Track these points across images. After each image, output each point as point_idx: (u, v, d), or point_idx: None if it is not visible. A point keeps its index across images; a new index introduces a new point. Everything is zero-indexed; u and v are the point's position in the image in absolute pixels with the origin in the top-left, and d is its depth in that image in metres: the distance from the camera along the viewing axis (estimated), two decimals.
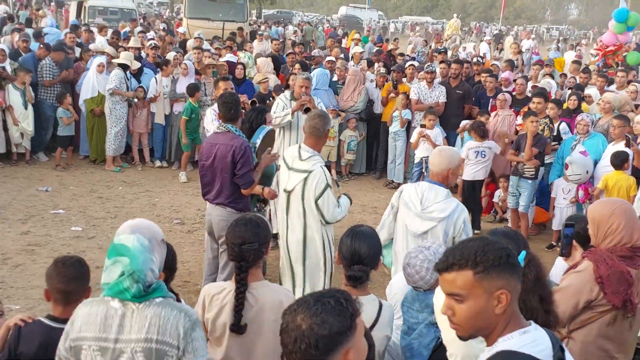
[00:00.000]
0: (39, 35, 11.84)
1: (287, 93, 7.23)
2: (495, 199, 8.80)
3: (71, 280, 2.92)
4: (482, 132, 8.06)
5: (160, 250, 2.53)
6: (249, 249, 3.04)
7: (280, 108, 6.94)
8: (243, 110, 6.04)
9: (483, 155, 8.00)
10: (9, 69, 9.53)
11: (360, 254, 3.04)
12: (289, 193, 4.73)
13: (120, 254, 2.41)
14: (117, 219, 7.76)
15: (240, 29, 18.32)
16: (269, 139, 5.68)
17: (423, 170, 8.76)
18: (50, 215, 7.70)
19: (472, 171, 8.03)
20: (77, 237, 7.09)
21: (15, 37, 11.48)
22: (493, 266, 1.89)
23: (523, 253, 2.14)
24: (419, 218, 4.17)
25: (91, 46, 11.50)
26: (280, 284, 4.89)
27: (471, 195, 8.14)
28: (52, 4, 26.95)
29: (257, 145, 5.38)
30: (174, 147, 10.18)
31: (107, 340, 2.40)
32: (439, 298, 3.31)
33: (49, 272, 2.97)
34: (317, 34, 28.59)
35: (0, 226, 7.22)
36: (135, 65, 9.93)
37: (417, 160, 9.06)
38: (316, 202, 4.63)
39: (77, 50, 11.32)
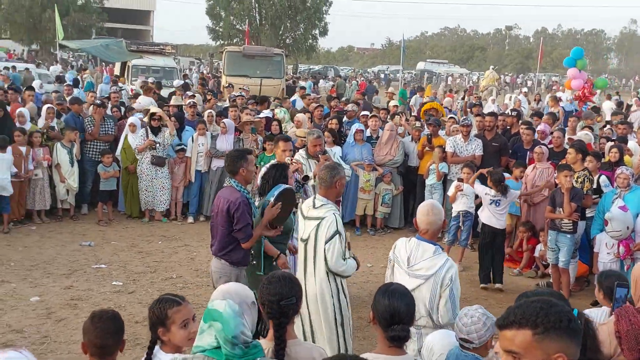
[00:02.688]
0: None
1: (302, 152, 7.22)
2: (536, 254, 8.63)
3: (107, 335, 3.03)
4: (502, 189, 7.85)
5: (251, 313, 2.74)
6: (288, 304, 3.06)
7: None
8: (263, 168, 5.93)
9: (497, 204, 7.88)
10: (56, 127, 9.98)
11: (400, 313, 3.01)
12: (305, 242, 4.82)
13: (214, 319, 2.63)
14: (156, 273, 7.89)
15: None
16: (290, 197, 5.34)
17: (460, 224, 8.66)
18: (92, 270, 7.88)
19: (489, 216, 7.92)
20: (118, 292, 7.22)
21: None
22: (553, 328, 1.89)
23: (575, 311, 2.11)
24: (406, 275, 4.12)
25: (135, 105, 11.95)
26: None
27: (491, 243, 7.95)
28: (102, 63, 28.24)
29: (271, 202, 5.09)
30: (211, 202, 10.34)
31: None
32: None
33: (86, 326, 3.09)
34: (353, 87, 29.04)
35: (45, 280, 7.42)
36: (155, 109, 10.32)
37: (454, 214, 8.83)
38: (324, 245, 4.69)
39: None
